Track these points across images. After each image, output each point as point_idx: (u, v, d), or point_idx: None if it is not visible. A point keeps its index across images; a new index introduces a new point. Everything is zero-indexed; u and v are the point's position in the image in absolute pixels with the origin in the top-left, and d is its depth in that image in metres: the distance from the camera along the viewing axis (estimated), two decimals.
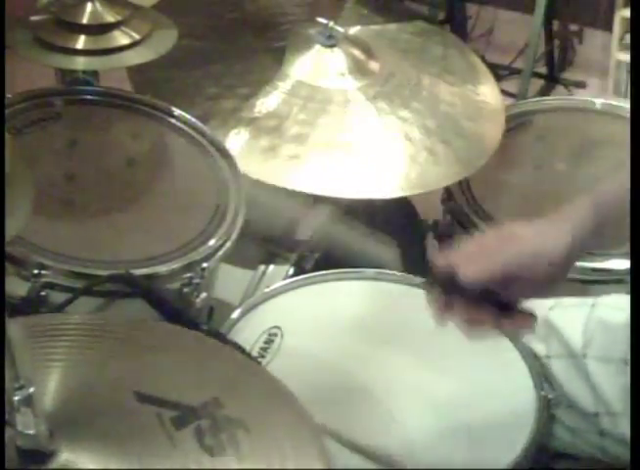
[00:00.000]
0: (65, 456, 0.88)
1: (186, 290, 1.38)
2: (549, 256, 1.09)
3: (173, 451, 0.90)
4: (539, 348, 1.35)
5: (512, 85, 2.87)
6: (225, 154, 1.55)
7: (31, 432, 0.86)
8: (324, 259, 1.69)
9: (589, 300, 1.36)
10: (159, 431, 0.91)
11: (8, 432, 0.86)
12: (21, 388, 0.84)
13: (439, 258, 1.11)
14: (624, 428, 1.25)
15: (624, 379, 1.26)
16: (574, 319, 1.34)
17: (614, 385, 1.27)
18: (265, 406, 0.97)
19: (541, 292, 1.13)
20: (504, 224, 1.15)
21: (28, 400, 0.85)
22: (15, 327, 0.84)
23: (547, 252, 1.09)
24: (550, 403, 1.27)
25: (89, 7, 1.56)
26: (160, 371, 1.00)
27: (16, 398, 0.84)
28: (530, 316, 1.12)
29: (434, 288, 1.11)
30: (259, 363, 1.26)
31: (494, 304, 1.10)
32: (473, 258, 1.10)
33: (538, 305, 1.39)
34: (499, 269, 1.08)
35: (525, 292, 1.12)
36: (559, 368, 1.33)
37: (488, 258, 1.09)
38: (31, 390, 0.85)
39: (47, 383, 0.95)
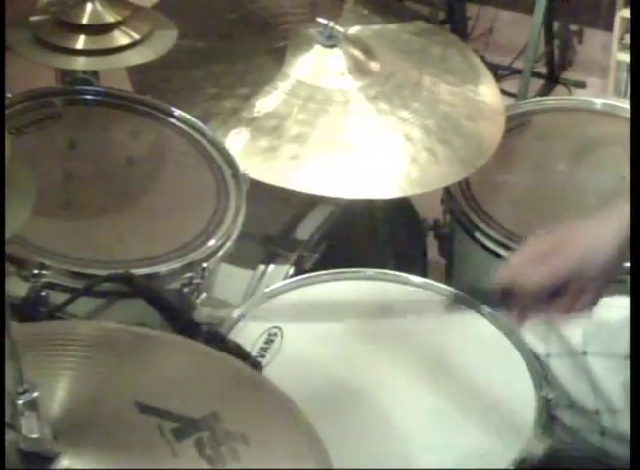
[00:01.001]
0: (66, 462, 0.89)
1: (186, 290, 1.38)
2: (601, 254, 1.13)
3: (174, 461, 0.90)
4: (539, 346, 1.35)
5: (512, 85, 2.87)
6: (225, 154, 1.55)
7: (35, 435, 0.86)
8: (324, 259, 1.69)
9: None
10: (160, 441, 0.92)
11: (10, 435, 0.86)
12: (24, 392, 0.84)
13: (501, 273, 1.18)
14: (625, 426, 1.25)
15: (625, 375, 1.26)
16: (575, 319, 1.34)
17: (614, 381, 1.27)
18: (264, 418, 0.97)
19: (598, 290, 1.18)
20: (555, 229, 1.19)
21: (33, 404, 0.85)
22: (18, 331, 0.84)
23: (599, 251, 1.14)
24: (550, 404, 1.27)
25: (89, 7, 1.56)
26: (161, 384, 1.00)
27: (19, 401, 0.84)
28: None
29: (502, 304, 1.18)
30: (259, 365, 1.26)
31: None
32: (531, 265, 1.16)
33: None
34: (558, 272, 1.13)
35: (583, 292, 1.15)
36: (559, 367, 1.33)
37: (545, 264, 1.15)
38: (35, 394, 0.85)
39: (56, 390, 0.95)
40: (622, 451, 1.29)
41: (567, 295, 1.15)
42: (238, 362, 1.10)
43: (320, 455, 0.93)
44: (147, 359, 1.04)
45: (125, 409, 0.95)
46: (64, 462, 0.89)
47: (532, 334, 1.36)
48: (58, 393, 0.95)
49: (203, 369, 1.05)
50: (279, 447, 0.94)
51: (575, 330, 1.33)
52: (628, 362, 1.25)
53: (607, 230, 1.14)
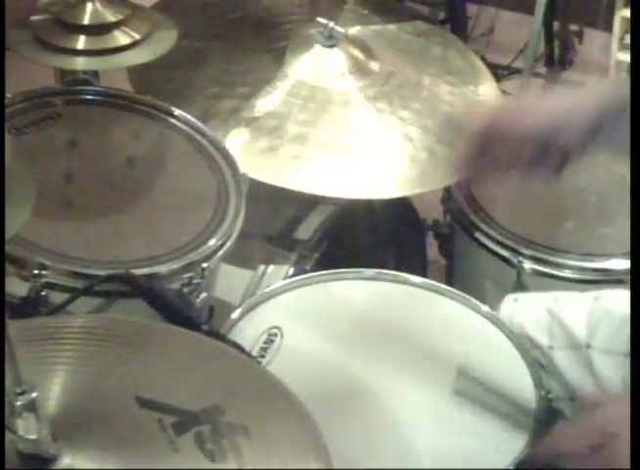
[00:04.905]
0: (66, 461, 0.88)
1: (186, 290, 1.38)
2: (583, 113, 1.13)
3: (174, 457, 0.90)
4: (542, 338, 1.35)
5: (512, 85, 2.87)
6: (225, 154, 1.55)
7: (33, 437, 0.86)
8: (324, 259, 1.69)
9: (593, 293, 1.37)
10: (160, 436, 0.91)
11: (8, 436, 0.86)
12: (23, 393, 0.84)
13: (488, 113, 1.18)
14: None
15: (626, 372, 1.25)
16: (579, 311, 1.34)
17: (616, 376, 1.27)
18: (266, 411, 0.97)
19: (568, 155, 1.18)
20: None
21: (31, 406, 0.84)
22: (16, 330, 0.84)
23: (581, 110, 1.13)
24: (550, 403, 1.27)
25: (89, 7, 1.56)
26: (161, 376, 1.00)
27: (18, 403, 0.84)
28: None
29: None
30: (260, 364, 1.26)
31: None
32: (523, 113, 1.16)
33: (542, 298, 1.40)
34: (544, 125, 1.13)
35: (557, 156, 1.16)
36: (562, 359, 1.33)
37: (532, 115, 1.14)
38: (34, 395, 0.84)
39: (51, 386, 0.95)
40: None
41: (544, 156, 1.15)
42: (239, 354, 1.10)
43: (320, 448, 0.93)
44: (146, 352, 1.03)
45: (125, 404, 0.95)
46: (63, 461, 0.88)
47: (536, 326, 1.36)
48: (54, 389, 0.94)
49: (203, 361, 1.04)
50: (280, 441, 0.94)
51: (579, 322, 1.33)
52: (629, 360, 1.25)
53: (588, 95, 1.14)
